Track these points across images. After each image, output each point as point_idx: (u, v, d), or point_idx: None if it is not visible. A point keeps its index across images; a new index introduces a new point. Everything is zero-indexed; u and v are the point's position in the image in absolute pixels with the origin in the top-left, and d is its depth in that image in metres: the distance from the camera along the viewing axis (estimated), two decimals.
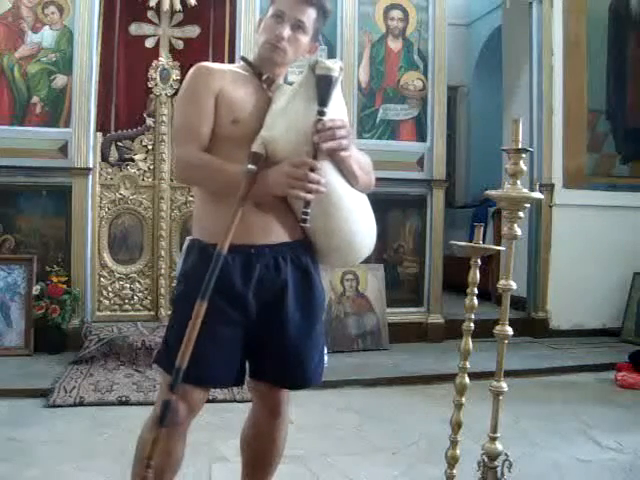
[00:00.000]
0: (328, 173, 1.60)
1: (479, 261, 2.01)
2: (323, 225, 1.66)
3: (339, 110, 1.65)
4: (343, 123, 1.59)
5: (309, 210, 1.55)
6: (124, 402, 3.28)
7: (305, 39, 1.72)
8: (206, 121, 1.66)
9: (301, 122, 1.58)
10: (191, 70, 1.73)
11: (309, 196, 1.54)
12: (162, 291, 4.42)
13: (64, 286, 4.09)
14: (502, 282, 1.82)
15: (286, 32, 1.68)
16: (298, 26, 1.69)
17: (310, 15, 1.70)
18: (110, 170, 4.38)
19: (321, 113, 1.56)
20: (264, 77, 1.71)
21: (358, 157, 1.68)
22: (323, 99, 1.57)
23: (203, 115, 1.66)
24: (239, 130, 1.65)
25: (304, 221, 1.57)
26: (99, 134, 4.32)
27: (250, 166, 1.56)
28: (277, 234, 1.68)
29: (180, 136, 1.72)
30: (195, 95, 1.68)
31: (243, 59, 1.79)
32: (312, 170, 1.54)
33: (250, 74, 1.74)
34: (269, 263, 1.67)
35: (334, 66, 1.58)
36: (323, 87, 1.57)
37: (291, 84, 1.67)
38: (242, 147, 1.62)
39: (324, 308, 1.83)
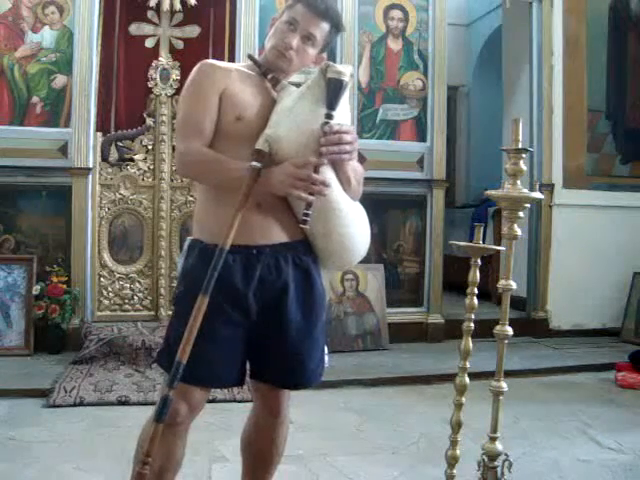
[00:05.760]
0: (328, 176, 1.60)
1: (479, 261, 2.01)
2: (321, 227, 1.66)
3: (345, 115, 1.66)
4: (349, 129, 1.59)
5: (310, 212, 1.55)
6: (124, 402, 3.28)
7: (313, 52, 1.72)
8: (209, 117, 1.66)
9: (306, 123, 1.58)
10: (196, 66, 1.73)
11: (311, 197, 1.54)
12: (162, 291, 4.42)
13: (64, 286, 4.09)
14: (502, 282, 1.82)
15: (295, 42, 1.68)
16: (308, 38, 1.69)
17: (323, 29, 1.70)
18: (110, 170, 4.37)
19: (329, 116, 1.56)
20: (269, 76, 1.71)
21: (355, 165, 1.70)
22: (332, 103, 1.57)
23: (207, 111, 1.66)
24: (242, 127, 1.65)
25: (304, 222, 1.57)
26: (99, 134, 4.31)
27: (254, 163, 1.56)
28: (278, 234, 1.68)
29: (183, 131, 1.72)
30: (199, 91, 1.68)
31: (250, 57, 1.79)
32: (315, 172, 1.54)
33: (256, 73, 1.74)
34: (270, 263, 1.67)
35: (345, 71, 1.58)
36: (333, 91, 1.57)
37: (297, 85, 1.67)
38: (245, 145, 1.62)
39: (325, 308, 1.83)
